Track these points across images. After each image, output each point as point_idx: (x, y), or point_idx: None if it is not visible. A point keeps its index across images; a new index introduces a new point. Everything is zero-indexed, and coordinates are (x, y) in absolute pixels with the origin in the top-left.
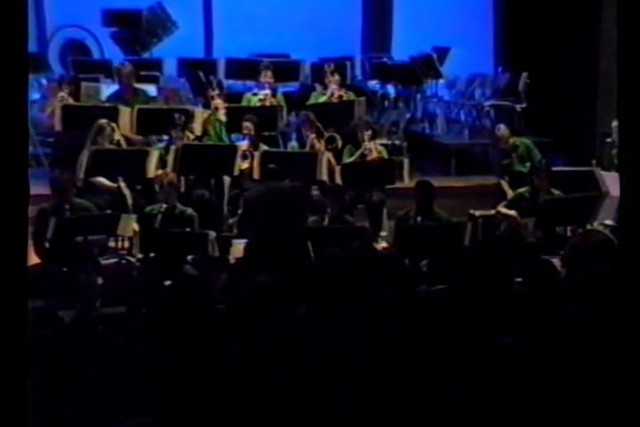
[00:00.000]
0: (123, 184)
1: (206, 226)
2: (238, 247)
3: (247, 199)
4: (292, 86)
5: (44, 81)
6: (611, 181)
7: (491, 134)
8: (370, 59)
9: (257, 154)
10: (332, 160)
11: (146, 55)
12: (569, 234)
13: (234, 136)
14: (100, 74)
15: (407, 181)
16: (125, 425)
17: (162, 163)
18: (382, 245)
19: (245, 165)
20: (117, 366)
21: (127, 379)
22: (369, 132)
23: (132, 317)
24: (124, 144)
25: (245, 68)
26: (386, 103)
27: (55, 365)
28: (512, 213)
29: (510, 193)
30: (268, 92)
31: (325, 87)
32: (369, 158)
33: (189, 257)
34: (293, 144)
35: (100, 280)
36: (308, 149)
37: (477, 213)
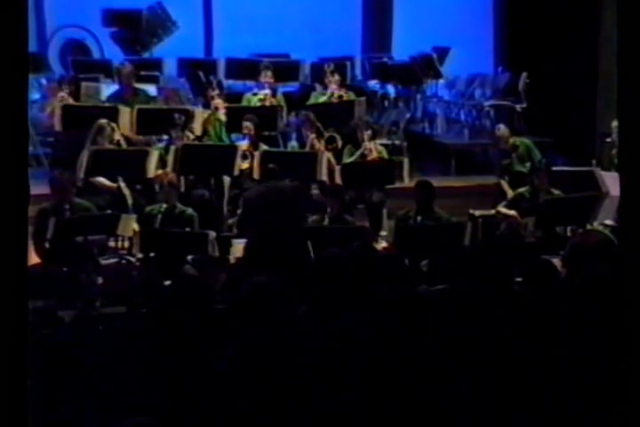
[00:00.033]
0: (123, 184)
1: (206, 226)
2: (238, 247)
3: (247, 199)
4: (292, 86)
5: (43, 81)
6: (611, 181)
7: (491, 134)
8: (370, 59)
9: (257, 154)
10: (332, 160)
11: (146, 55)
12: (569, 234)
13: (234, 136)
14: (100, 74)
15: (407, 181)
16: (125, 425)
17: (162, 163)
18: (382, 244)
19: (245, 165)
20: (117, 366)
21: (127, 379)
22: (369, 132)
23: (131, 316)
24: (123, 144)
25: (245, 68)
26: (386, 103)
27: (55, 365)
28: (512, 212)
29: (510, 193)
30: (267, 92)
31: (325, 87)
32: (369, 158)
33: (189, 257)
34: (293, 144)
35: (100, 280)
36: (308, 149)
37: (477, 213)
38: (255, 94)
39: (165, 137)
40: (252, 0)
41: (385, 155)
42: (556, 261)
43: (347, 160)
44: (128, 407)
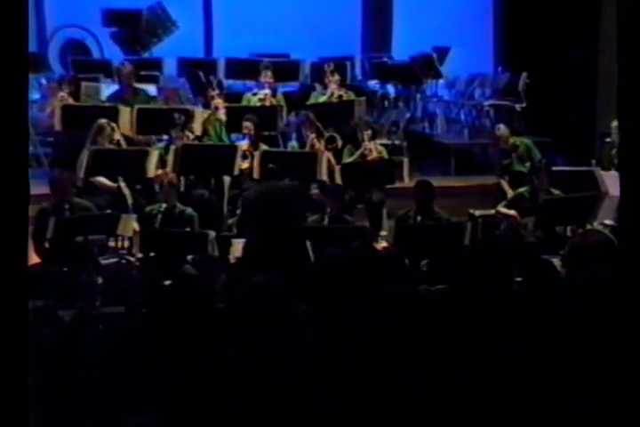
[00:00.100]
0: (123, 184)
1: (206, 226)
2: (238, 247)
3: (246, 199)
4: (292, 86)
5: (43, 81)
6: (610, 181)
7: (490, 134)
8: (370, 59)
9: (257, 154)
10: (332, 160)
11: (146, 55)
12: (569, 234)
13: (234, 136)
14: (100, 74)
15: (407, 181)
16: (125, 425)
17: (162, 163)
18: (382, 244)
19: (245, 164)
20: (117, 366)
21: (127, 379)
22: (369, 132)
23: (131, 316)
24: (123, 144)
25: (245, 68)
26: (386, 103)
27: (55, 365)
28: (512, 212)
29: (510, 193)
30: (267, 91)
31: (325, 87)
32: (369, 158)
33: (189, 257)
34: (293, 144)
35: (99, 280)
36: (308, 148)
37: (477, 212)
38: (255, 94)
39: (165, 137)
40: (251, 0)
41: (385, 155)
42: (556, 261)
43: (347, 160)
44: (128, 407)
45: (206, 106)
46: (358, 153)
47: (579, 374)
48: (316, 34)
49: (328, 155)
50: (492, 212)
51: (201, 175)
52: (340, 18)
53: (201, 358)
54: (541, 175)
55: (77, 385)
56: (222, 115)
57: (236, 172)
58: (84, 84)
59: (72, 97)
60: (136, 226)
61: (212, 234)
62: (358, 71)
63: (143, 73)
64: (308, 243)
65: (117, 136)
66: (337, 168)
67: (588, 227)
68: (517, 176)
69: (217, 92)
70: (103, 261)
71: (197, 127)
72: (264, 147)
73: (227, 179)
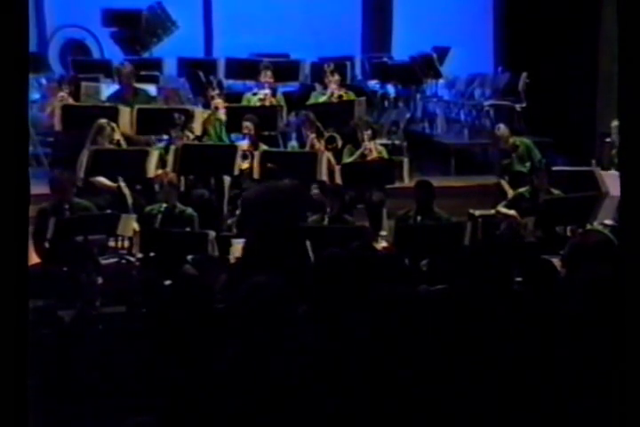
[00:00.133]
0: (123, 184)
1: (206, 226)
2: (238, 247)
3: (245, 199)
4: (292, 86)
5: (43, 81)
6: (610, 181)
7: (490, 134)
8: (370, 58)
9: (257, 154)
10: (332, 160)
11: (146, 55)
12: (569, 234)
13: (234, 136)
14: (100, 74)
15: (407, 181)
16: (125, 425)
17: (162, 163)
18: (382, 244)
19: (246, 164)
20: (117, 366)
21: (127, 379)
22: (369, 132)
23: (131, 316)
24: (123, 144)
25: (245, 68)
26: (386, 103)
27: (55, 365)
28: (512, 212)
29: (510, 193)
30: (267, 91)
31: (325, 87)
32: (369, 158)
33: (189, 257)
34: (293, 144)
35: (99, 280)
36: (308, 148)
37: (477, 212)
38: (255, 94)
39: (165, 137)
40: (252, 0)
41: (385, 155)
42: (556, 261)
43: (347, 160)
44: (128, 407)
45: (206, 106)
46: (358, 153)
47: (579, 375)
48: (316, 34)
49: (328, 155)
50: (492, 212)
51: (201, 175)
52: (340, 18)
53: (201, 358)
54: (541, 175)
55: (77, 385)
56: (222, 115)
57: (236, 172)
58: (83, 84)
59: (72, 97)
60: (136, 226)
61: (212, 234)
62: (358, 71)
63: (143, 73)
64: (308, 243)
65: (117, 136)
66: (337, 168)
67: (588, 227)
68: (517, 176)
69: (217, 92)
70: (103, 261)
71: (197, 127)
72: (264, 147)
73: (227, 179)
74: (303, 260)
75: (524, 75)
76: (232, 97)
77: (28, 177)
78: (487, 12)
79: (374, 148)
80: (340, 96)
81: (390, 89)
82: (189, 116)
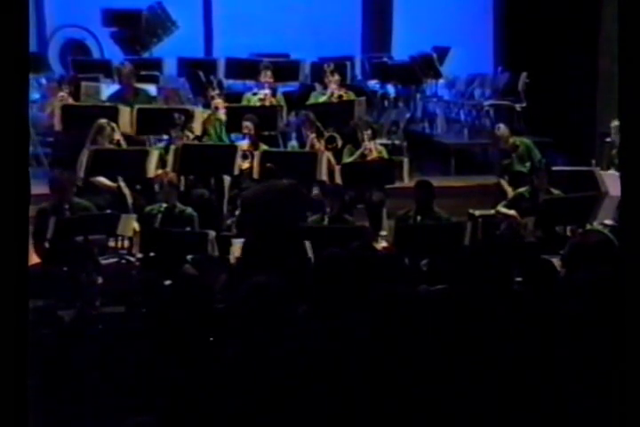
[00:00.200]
0: (123, 184)
1: (206, 226)
2: (238, 247)
3: (244, 199)
4: (292, 86)
5: (43, 81)
6: (610, 181)
7: (490, 134)
8: (370, 58)
9: (257, 154)
10: (332, 160)
11: (146, 55)
12: (569, 234)
13: (234, 136)
14: (100, 74)
15: (407, 181)
16: (125, 425)
17: (162, 162)
18: (382, 244)
19: (246, 164)
20: (117, 366)
21: (127, 379)
22: (369, 132)
23: (131, 316)
24: (123, 144)
25: (245, 68)
26: (386, 103)
27: (55, 365)
28: (512, 212)
29: (510, 193)
30: (267, 91)
31: (325, 87)
32: (369, 158)
33: (189, 257)
34: (293, 144)
35: (99, 280)
36: (307, 148)
37: (477, 212)
38: (255, 94)
39: (165, 137)
40: (251, 0)
41: (385, 155)
42: (556, 261)
43: (347, 160)
44: (128, 407)
45: (206, 106)
46: (358, 153)
47: (579, 374)
48: (316, 34)
49: (328, 155)
50: (492, 212)
51: (201, 175)
52: (340, 18)
53: (201, 358)
54: (541, 175)
55: (77, 385)
56: (222, 115)
57: (236, 172)
58: (83, 84)
59: (72, 97)
60: (136, 226)
61: (212, 234)
62: (358, 71)
63: (143, 73)
64: (307, 243)
65: (117, 136)
66: (337, 168)
67: (588, 227)
68: (517, 176)
69: (217, 92)
70: (103, 261)
71: (197, 127)
72: (264, 147)
73: (227, 179)
74: (303, 260)
75: (524, 75)
76: (232, 97)
77: (28, 177)
78: (487, 12)
79: (374, 148)
80: (340, 96)
81: (390, 89)
82: (189, 116)
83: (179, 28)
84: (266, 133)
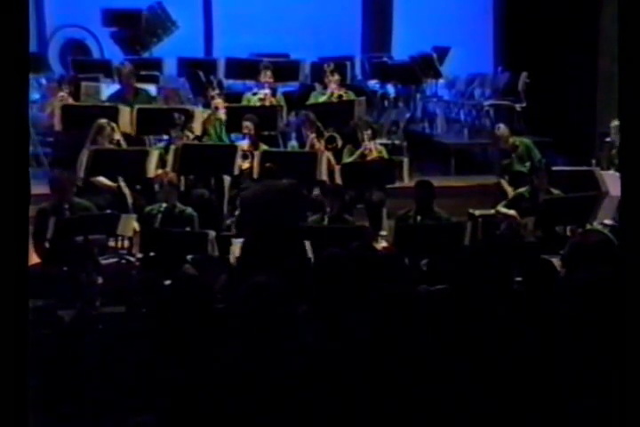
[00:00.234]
0: (123, 184)
1: (206, 225)
2: (238, 247)
3: (243, 199)
4: (292, 86)
5: (43, 81)
6: (610, 181)
7: (490, 134)
8: (370, 58)
9: (257, 154)
10: (332, 160)
11: (146, 55)
12: (569, 234)
13: (234, 136)
14: (100, 74)
15: (407, 181)
16: (125, 425)
17: (162, 162)
18: (382, 244)
19: (246, 164)
20: (117, 366)
21: (127, 379)
22: (369, 132)
23: (131, 316)
24: (123, 144)
25: (245, 68)
26: (386, 103)
27: (55, 365)
28: (512, 212)
29: (510, 193)
30: (267, 91)
31: (325, 87)
32: (369, 158)
33: (189, 257)
34: (293, 144)
35: (99, 280)
36: (307, 148)
37: (477, 212)
38: (255, 94)
39: (165, 137)
40: (251, 0)
41: (385, 154)
42: (556, 261)
43: (347, 160)
44: (128, 407)
45: (206, 106)
46: (358, 153)
47: (579, 374)
48: (316, 34)
49: (328, 155)
50: (492, 212)
51: (201, 175)
52: (340, 18)
53: (201, 358)
54: (541, 175)
55: (77, 385)
56: (222, 115)
57: (236, 172)
58: (83, 84)
59: (72, 97)
60: (136, 226)
61: (212, 234)
62: (358, 71)
63: (143, 73)
64: (307, 243)
65: (117, 136)
66: (337, 168)
67: (588, 227)
68: (517, 176)
69: (217, 91)
70: (103, 261)
71: (197, 127)
72: (264, 147)
73: (227, 179)
74: (303, 260)
75: (524, 75)
76: (232, 97)
77: (28, 177)
78: (487, 12)
79: (374, 147)
80: (340, 96)
81: (390, 89)
82: (189, 116)
83: (179, 28)
84: (266, 133)
